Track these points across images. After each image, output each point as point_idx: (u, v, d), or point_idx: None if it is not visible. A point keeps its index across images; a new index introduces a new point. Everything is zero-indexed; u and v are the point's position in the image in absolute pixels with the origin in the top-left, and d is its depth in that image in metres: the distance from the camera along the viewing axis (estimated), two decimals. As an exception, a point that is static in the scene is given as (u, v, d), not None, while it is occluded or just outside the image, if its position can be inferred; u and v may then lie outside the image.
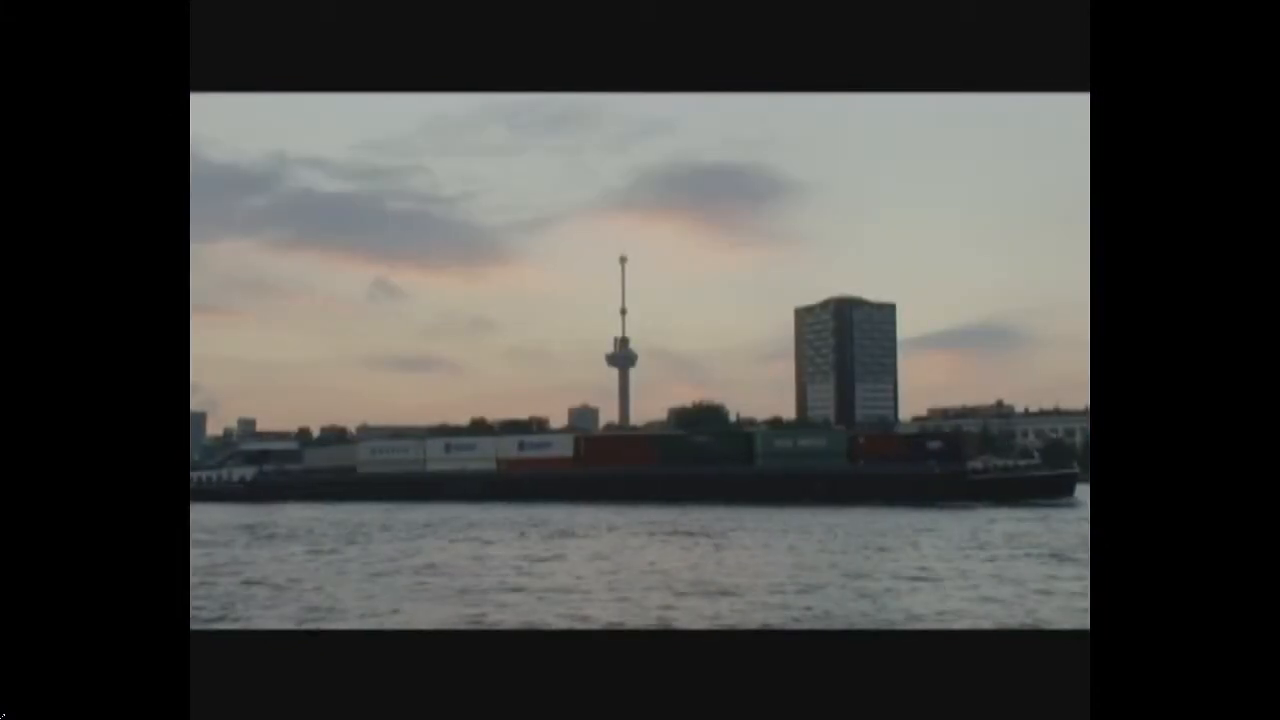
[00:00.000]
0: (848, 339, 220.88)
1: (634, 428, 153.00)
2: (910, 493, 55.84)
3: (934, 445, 62.60)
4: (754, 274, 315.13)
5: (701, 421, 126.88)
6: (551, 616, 16.20)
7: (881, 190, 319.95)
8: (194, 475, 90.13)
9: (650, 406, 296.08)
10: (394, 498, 68.78)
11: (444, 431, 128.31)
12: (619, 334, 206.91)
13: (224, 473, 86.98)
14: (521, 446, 77.26)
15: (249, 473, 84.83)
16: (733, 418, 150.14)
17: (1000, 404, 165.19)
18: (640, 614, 16.43)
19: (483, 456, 76.75)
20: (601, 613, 16.52)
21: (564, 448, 74.27)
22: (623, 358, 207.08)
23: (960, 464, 59.44)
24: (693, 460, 66.68)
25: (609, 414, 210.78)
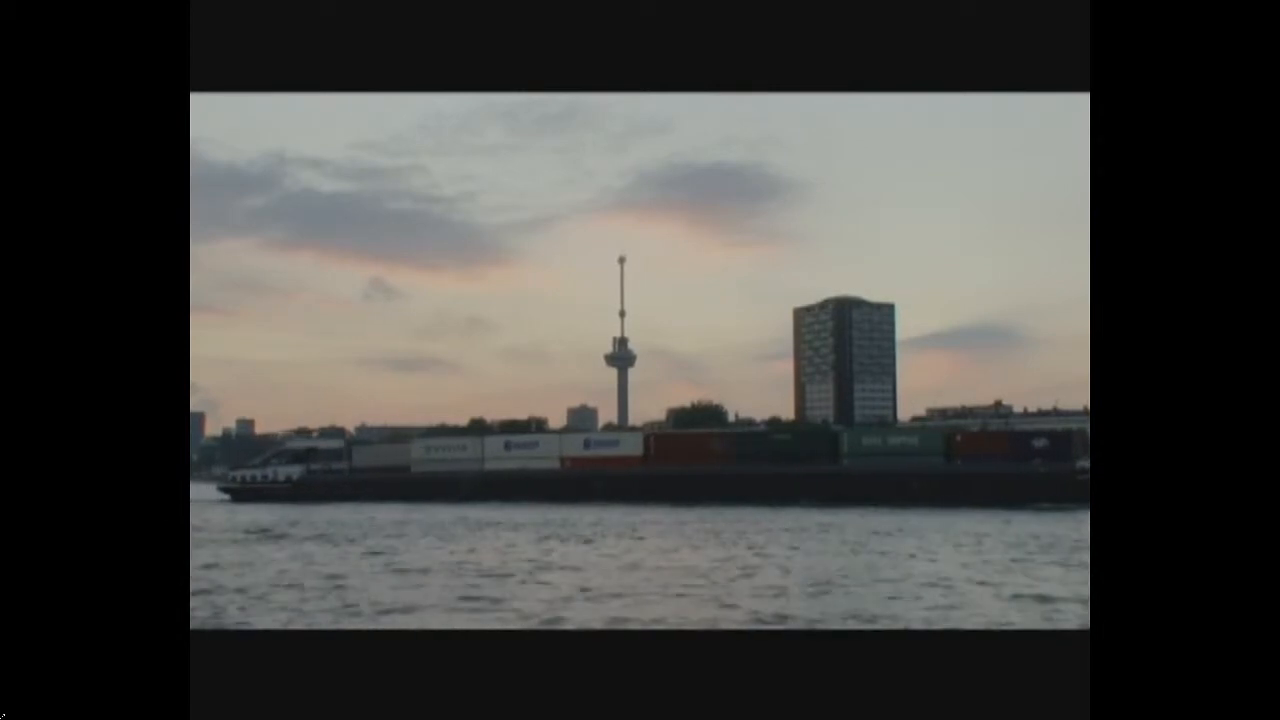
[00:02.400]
0: (846, 339, 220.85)
1: (634, 428, 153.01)
2: (1013, 494, 52.28)
3: (1039, 444, 57.53)
4: (753, 274, 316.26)
5: (700, 421, 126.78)
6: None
7: (881, 190, 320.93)
8: (238, 474, 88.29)
9: (649, 407, 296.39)
10: (450, 498, 66.85)
11: (445, 431, 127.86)
12: (618, 334, 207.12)
13: (269, 472, 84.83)
14: (587, 444, 74.65)
15: (295, 471, 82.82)
16: (731, 418, 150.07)
17: (999, 404, 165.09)
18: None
19: (545, 455, 74.00)
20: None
21: (633, 446, 71.72)
22: (621, 358, 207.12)
23: (1069, 463, 55.17)
24: (772, 459, 63.60)
25: (607, 414, 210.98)
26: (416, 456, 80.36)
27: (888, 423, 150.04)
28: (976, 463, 57.94)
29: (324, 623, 15.96)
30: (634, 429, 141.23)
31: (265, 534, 38.76)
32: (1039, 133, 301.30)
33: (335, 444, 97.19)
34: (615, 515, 47.15)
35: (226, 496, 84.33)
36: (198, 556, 26.83)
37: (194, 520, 47.55)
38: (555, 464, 72.60)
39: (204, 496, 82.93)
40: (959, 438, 63.55)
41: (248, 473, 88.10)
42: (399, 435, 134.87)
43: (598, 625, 15.38)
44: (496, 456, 75.82)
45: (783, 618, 15.90)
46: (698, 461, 66.32)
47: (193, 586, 19.61)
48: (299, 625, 15.81)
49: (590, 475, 68.22)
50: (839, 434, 69.21)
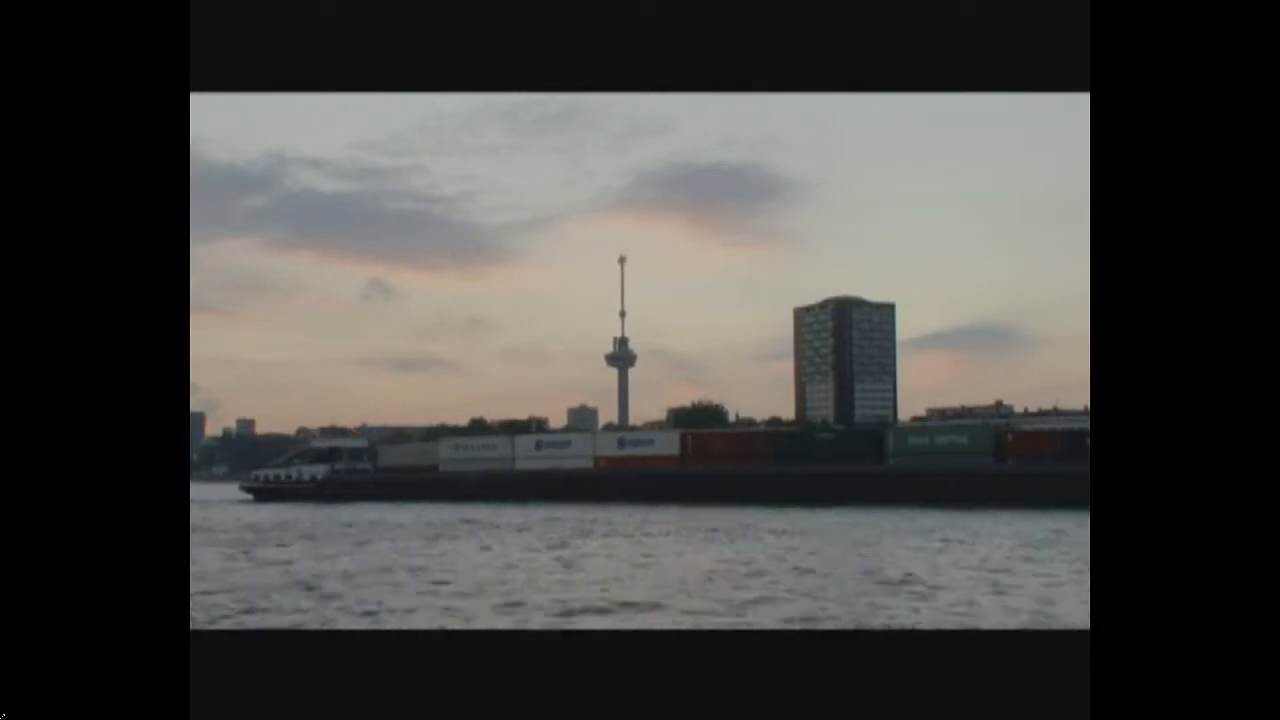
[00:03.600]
0: (847, 339, 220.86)
1: (634, 428, 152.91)
2: (1068, 495, 47.74)
3: None
4: (753, 274, 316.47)
5: (700, 422, 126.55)
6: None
7: (881, 190, 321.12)
8: (261, 474, 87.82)
9: (649, 407, 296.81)
10: (480, 498, 65.79)
11: (445, 431, 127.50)
12: (618, 334, 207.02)
13: (293, 471, 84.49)
14: (622, 444, 73.31)
15: (320, 471, 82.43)
16: (731, 418, 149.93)
17: (999, 404, 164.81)
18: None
19: (578, 454, 72.87)
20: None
21: (669, 445, 69.97)
22: (622, 358, 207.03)
23: None
24: (815, 459, 61.75)
25: (608, 414, 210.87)
26: (445, 456, 79.22)
27: (895, 420, 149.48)
28: (1028, 463, 55.13)
29: (322, 622, 15.96)
30: (635, 428, 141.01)
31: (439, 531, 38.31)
32: (1039, 133, 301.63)
33: (359, 443, 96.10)
34: (655, 516, 46.24)
35: (249, 497, 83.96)
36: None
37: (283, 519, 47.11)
38: (588, 463, 71.23)
39: (227, 496, 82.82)
40: (1010, 436, 60.89)
41: (271, 472, 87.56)
42: (399, 435, 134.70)
43: (600, 626, 15.38)
44: (526, 456, 74.58)
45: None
46: (737, 461, 64.62)
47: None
48: (299, 625, 15.80)
49: (625, 475, 66.68)
50: (884, 433, 66.63)
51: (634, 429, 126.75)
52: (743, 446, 68.57)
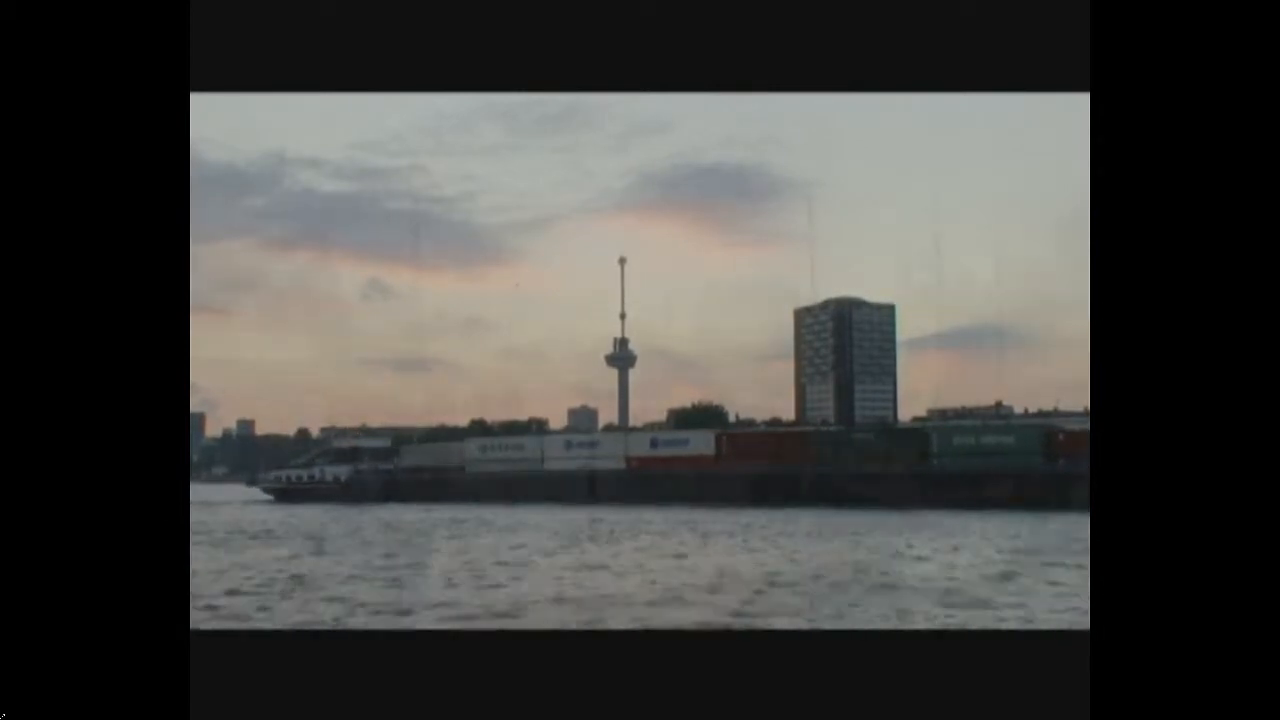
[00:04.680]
0: (847, 339, 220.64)
1: (635, 428, 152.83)
2: None
3: None
4: (753, 274, 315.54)
5: (701, 422, 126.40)
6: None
7: (881, 190, 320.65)
8: (283, 474, 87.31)
9: (649, 407, 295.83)
10: (508, 499, 64.92)
11: (446, 433, 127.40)
12: (618, 335, 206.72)
13: (315, 472, 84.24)
14: (655, 444, 72.01)
15: (343, 472, 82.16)
16: (731, 418, 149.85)
17: (999, 404, 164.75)
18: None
19: (609, 454, 71.83)
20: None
21: (704, 445, 68.53)
22: (622, 358, 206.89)
23: None
24: (855, 459, 60.43)
25: (608, 415, 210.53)
26: (471, 456, 78.47)
27: (896, 420, 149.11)
28: (1081, 463, 51.08)
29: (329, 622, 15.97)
30: (636, 428, 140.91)
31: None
32: (1039, 133, 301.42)
33: (382, 443, 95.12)
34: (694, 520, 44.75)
35: (269, 498, 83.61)
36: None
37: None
38: (620, 464, 70.20)
39: (244, 497, 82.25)
40: (1061, 436, 58.61)
41: (293, 472, 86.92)
42: (399, 436, 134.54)
43: (599, 626, 15.38)
44: (556, 456, 73.71)
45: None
46: (773, 462, 63.27)
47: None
48: (299, 625, 15.81)
49: (658, 475, 65.68)
50: (928, 433, 64.50)
51: (651, 427, 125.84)
52: (780, 446, 67.06)
